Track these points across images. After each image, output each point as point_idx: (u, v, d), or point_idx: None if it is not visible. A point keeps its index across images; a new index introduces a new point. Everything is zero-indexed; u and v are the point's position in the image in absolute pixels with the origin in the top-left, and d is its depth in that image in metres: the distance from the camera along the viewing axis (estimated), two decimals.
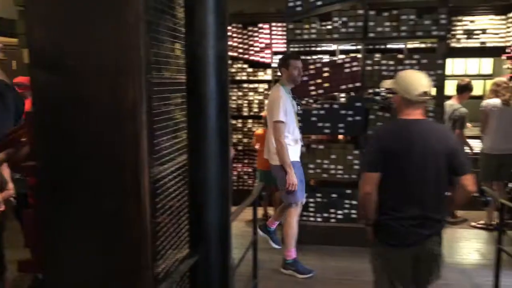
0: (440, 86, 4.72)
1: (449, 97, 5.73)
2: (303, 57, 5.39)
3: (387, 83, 2.78)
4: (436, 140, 2.45)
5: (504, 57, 5.97)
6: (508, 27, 6.01)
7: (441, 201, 2.49)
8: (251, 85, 6.63)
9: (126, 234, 1.80)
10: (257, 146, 5.75)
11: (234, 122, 6.71)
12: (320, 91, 4.87)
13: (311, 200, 5.02)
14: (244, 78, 6.64)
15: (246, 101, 6.65)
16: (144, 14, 1.69)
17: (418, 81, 2.48)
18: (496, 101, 5.19)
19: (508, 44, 6.04)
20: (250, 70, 6.60)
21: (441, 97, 4.76)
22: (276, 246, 4.48)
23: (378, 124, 4.74)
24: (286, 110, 4.08)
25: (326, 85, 4.83)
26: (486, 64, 6.71)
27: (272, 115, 4.10)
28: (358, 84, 4.78)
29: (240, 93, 6.67)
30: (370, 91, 6.16)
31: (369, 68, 4.75)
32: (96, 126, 1.78)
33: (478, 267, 4.42)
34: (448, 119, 5.46)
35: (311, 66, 4.86)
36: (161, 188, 2.01)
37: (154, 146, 1.94)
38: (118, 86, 1.74)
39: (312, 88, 4.86)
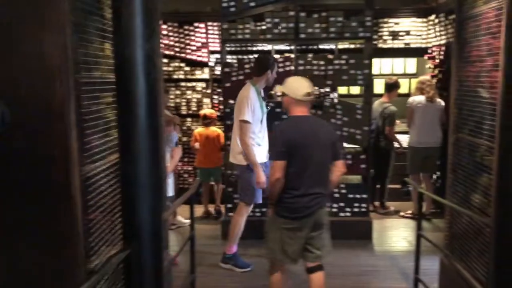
0: (367, 85, 5.02)
1: (379, 95, 6.12)
2: (239, 57, 5.54)
3: (279, 88, 3.26)
4: (323, 132, 3.10)
5: (426, 57, 6.41)
6: (429, 29, 6.46)
7: (327, 180, 3.14)
8: (189, 84, 6.67)
9: (58, 231, 1.83)
10: (196, 145, 5.82)
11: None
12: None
13: None
14: (182, 76, 6.67)
15: (184, 100, 6.69)
16: (71, 14, 1.73)
17: (302, 84, 3.12)
18: (421, 98, 5.58)
19: (429, 45, 6.50)
20: (187, 68, 6.65)
21: (369, 95, 5.07)
22: (247, 269, 4.37)
23: None
24: (253, 110, 4.16)
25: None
26: (410, 64, 7.18)
27: (239, 114, 4.17)
28: None
29: (178, 92, 6.69)
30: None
31: (301, 68, 4.96)
32: (25, 127, 1.81)
33: (405, 253, 4.76)
34: (379, 116, 5.81)
35: (247, 66, 5.00)
36: (93, 185, 2.06)
37: (84, 144, 1.98)
38: (46, 86, 1.77)
39: None
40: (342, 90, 6.94)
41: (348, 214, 5.13)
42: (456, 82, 3.26)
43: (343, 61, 4.94)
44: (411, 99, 5.65)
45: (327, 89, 6.58)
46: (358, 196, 5.11)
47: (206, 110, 6.00)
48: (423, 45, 6.54)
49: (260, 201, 4.39)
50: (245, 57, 5.49)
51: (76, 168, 1.83)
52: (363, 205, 5.13)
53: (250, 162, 4.17)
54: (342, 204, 5.12)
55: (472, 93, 2.99)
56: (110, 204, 2.17)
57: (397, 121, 6.11)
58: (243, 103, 4.16)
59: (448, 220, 3.37)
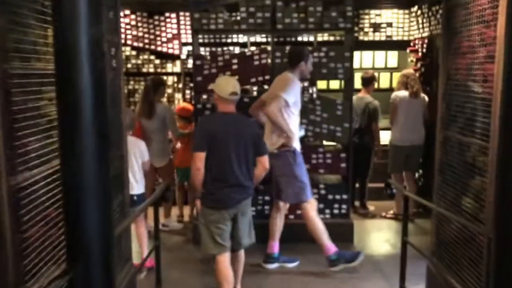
0: (348, 79, 4.80)
1: (359, 90, 5.92)
2: (212, 49, 5.25)
3: (210, 86, 3.48)
4: (245, 128, 3.33)
5: (408, 50, 6.24)
6: (412, 21, 6.29)
7: (250, 173, 3.33)
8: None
9: None
10: (177, 146, 5.51)
11: None
12: None
13: None
14: (152, 70, 6.36)
15: None
16: None
17: (228, 83, 3.36)
18: (405, 93, 5.39)
19: (411, 38, 6.34)
20: (157, 61, 6.34)
21: (349, 90, 4.85)
22: (295, 264, 4.31)
23: None
24: (296, 97, 3.95)
25: (236, 78, 4.70)
26: (392, 57, 7.01)
27: (278, 90, 3.90)
28: (267, 77, 4.72)
29: None
30: None
31: (278, 60, 4.71)
32: None
33: (389, 257, 4.56)
34: (362, 112, 5.58)
35: (220, 58, 4.72)
36: (28, 197, 1.76)
37: (16, 149, 1.69)
38: None
39: None
40: (322, 84, 6.72)
41: (327, 216, 4.91)
42: (444, 75, 3.06)
43: (322, 54, 4.71)
44: (394, 95, 5.45)
45: (306, 84, 6.35)
46: (338, 197, 4.90)
47: (185, 105, 5.67)
48: (405, 38, 6.38)
49: (311, 195, 4.17)
50: (218, 49, 5.18)
51: (3, 179, 1.53)
52: (344, 206, 4.92)
53: (284, 128, 3.89)
54: (321, 206, 4.89)
55: (463, 87, 2.79)
56: (52, 217, 1.87)
57: (380, 117, 5.92)
58: (288, 83, 3.93)
59: (435, 225, 3.17)
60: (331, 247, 4.12)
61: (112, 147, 2.81)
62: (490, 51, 2.38)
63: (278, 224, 4.33)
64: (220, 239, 3.27)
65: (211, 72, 4.71)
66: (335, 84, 6.80)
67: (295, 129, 4.08)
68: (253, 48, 5.36)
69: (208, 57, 4.78)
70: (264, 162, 3.36)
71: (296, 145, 4.08)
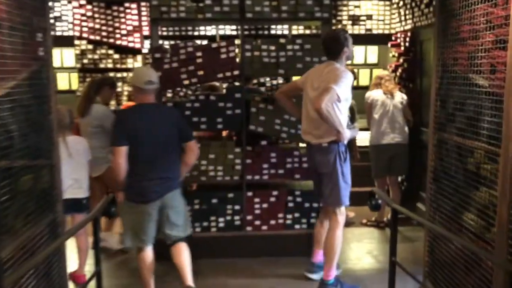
0: None
1: None
2: (172, 42, 4.71)
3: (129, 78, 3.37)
4: (166, 117, 3.31)
5: (389, 44, 5.83)
6: (393, 13, 5.89)
7: (174, 164, 3.31)
8: (119, 74, 5.84)
9: None
10: None
11: None
12: (194, 80, 4.22)
13: (188, 208, 4.36)
14: (110, 66, 5.81)
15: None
16: None
17: (144, 73, 3.31)
18: (378, 93, 4.99)
19: (393, 31, 5.94)
20: (116, 56, 5.79)
21: None
22: None
23: (261, 118, 4.24)
24: (348, 93, 3.49)
25: (200, 73, 4.19)
26: (371, 53, 6.60)
27: (330, 82, 3.36)
28: (236, 72, 4.22)
29: None
30: (255, 81, 5.70)
31: (248, 54, 4.21)
32: None
33: (372, 272, 4.13)
34: None
35: (182, 51, 4.19)
36: None
37: None
38: None
39: (184, 76, 4.19)
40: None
41: (304, 226, 4.44)
42: (438, 67, 2.61)
43: (297, 46, 4.23)
44: (367, 94, 5.06)
45: (280, 81, 5.89)
46: (315, 205, 4.43)
47: (127, 104, 5.12)
48: (387, 32, 5.98)
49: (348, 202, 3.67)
50: (180, 42, 4.63)
51: None
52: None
53: (334, 124, 3.38)
54: (297, 215, 4.43)
55: (463, 81, 2.35)
56: None
57: (356, 116, 5.51)
58: (340, 76, 3.40)
59: (428, 242, 2.73)
60: (334, 272, 3.65)
61: (38, 157, 2.27)
62: (500, 35, 1.94)
63: (326, 229, 3.84)
64: (140, 233, 3.23)
65: (172, 66, 4.18)
66: None
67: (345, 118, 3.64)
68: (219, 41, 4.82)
69: (169, 50, 4.25)
70: (193, 146, 3.36)
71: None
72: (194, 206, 4.36)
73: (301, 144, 4.64)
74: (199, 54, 4.18)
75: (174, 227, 3.32)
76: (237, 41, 4.33)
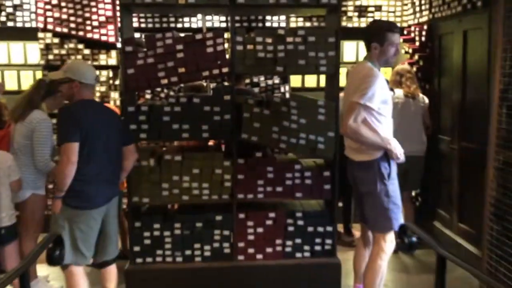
0: (332, 74, 3.65)
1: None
2: (147, 34, 3.99)
3: (57, 74, 3.10)
4: (109, 116, 3.14)
5: (401, 39, 5.15)
6: (405, 4, 5.23)
7: (118, 167, 3.16)
8: None
9: None
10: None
11: None
12: (174, 79, 3.53)
13: (167, 233, 3.68)
14: None
15: None
16: None
17: (90, 67, 3.16)
18: (399, 93, 4.32)
19: (405, 24, 5.29)
20: (87, 52, 5.07)
21: (334, 87, 3.70)
22: None
23: (255, 125, 3.55)
24: (381, 95, 2.90)
25: (181, 70, 3.51)
26: None
27: (355, 93, 2.87)
28: (225, 70, 3.53)
29: None
30: (247, 80, 5.01)
31: (240, 47, 3.53)
32: None
33: None
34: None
35: (159, 44, 3.49)
36: None
37: None
38: None
39: (162, 74, 3.50)
40: (295, 81, 5.56)
41: (307, 254, 3.77)
42: (502, 63, 1.92)
43: (299, 39, 3.56)
44: None
45: (276, 80, 5.20)
46: (320, 229, 3.76)
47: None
48: (398, 25, 5.29)
49: (400, 222, 3.00)
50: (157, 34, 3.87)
51: None
52: (328, 241, 3.78)
53: (370, 143, 2.91)
54: (298, 241, 3.75)
55: None
56: None
57: None
58: (363, 81, 2.91)
59: None
60: None
61: None
62: None
63: (366, 260, 3.26)
64: (82, 247, 2.99)
65: (147, 62, 3.49)
66: (311, 81, 5.65)
67: (389, 134, 3.06)
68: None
69: (143, 43, 3.55)
70: (134, 150, 3.25)
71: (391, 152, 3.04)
72: (174, 231, 3.69)
73: (302, 157, 3.97)
74: (180, 47, 3.49)
75: (109, 244, 3.14)
76: (226, 35, 3.64)
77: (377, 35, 3.00)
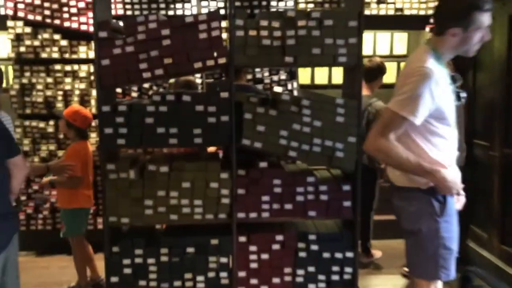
0: (354, 66, 3.02)
1: None
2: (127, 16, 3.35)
3: None
4: None
5: (427, 28, 4.52)
6: None
7: (7, 190, 2.45)
8: (68, 67, 4.52)
9: None
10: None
11: (42, 125, 4.47)
12: (158, 72, 2.90)
13: (151, 261, 3.04)
14: (56, 55, 4.47)
15: (60, 92, 4.48)
16: None
17: None
18: None
19: (431, 11, 4.64)
20: (64, 43, 4.46)
21: (355, 84, 3.06)
22: None
23: (259, 128, 2.92)
24: (437, 101, 2.11)
25: (167, 61, 2.88)
26: (399, 41, 5.28)
27: (394, 96, 2.18)
28: (221, 60, 2.89)
29: (50, 80, 4.47)
30: (249, 76, 4.37)
31: (240, 33, 2.90)
32: None
33: None
34: (365, 117, 3.91)
35: (140, 28, 2.86)
36: None
37: None
38: None
39: (144, 66, 2.87)
40: (304, 77, 4.93)
41: (322, 285, 3.14)
42: None
43: (313, 23, 2.92)
44: None
45: (283, 76, 4.55)
46: (339, 255, 3.13)
47: (79, 108, 3.73)
48: (422, 12, 4.67)
49: (453, 275, 2.28)
50: (138, 15, 3.18)
51: None
52: (348, 269, 3.14)
53: (410, 169, 2.15)
54: (311, 269, 3.12)
55: None
56: None
57: None
58: (411, 82, 2.10)
59: None
60: None
61: None
62: None
63: None
64: None
65: (126, 51, 2.87)
66: (321, 76, 5.02)
67: (447, 153, 2.25)
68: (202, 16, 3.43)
69: (121, 28, 2.92)
70: (21, 162, 2.48)
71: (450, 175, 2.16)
72: (160, 257, 3.07)
73: (316, 167, 3.34)
74: (166, 32, 2.87)
75: None
76: (224, 23, 3.01)
77: (459, 16, 2.13)
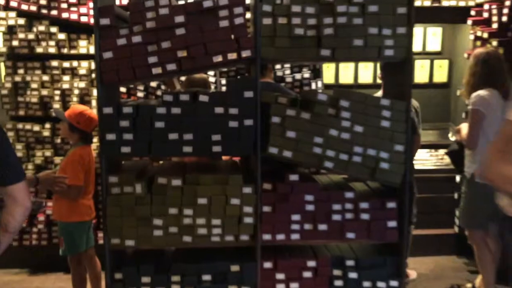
0: (403, 60, 2.57)
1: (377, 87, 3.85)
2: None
3: None
4: None
5: (469, 21, 4.05)
6: None
7: None
8: (66, 63, 4.12)
9: None
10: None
11: (37, 128, 4.05)
12: (171, 67, 2.46)
13: None
14: (53, 50, 4.05)
15: (57, 91, 4.08)
16: None
17: None
18: (492, 93, 3.16)
19: (472, 3, 4.19)
20: (62, 36, 4.06)
21: (405, 82, 2.61)
22: None
23: (289, 134, 2.47)
24: None
25: (182, 54, 2.44)
26: (432, 36, 4.83)
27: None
28: (246, 54, 2.44)
29: (46, 77, 4.06)
30: (279, 72, 3.94)
31: (267, 21, 2.47)
32: None
33: None
34: None
35: (149, 15, 2.42)
36: None
37: None
38: None
39: (154, 60, 2.43)
40: (327, 76, 4.48)
41: None
42: None
43: (354, 9, 2.50)
44: (476, 95, 3.17)
45: (306, 74, 4.10)
46: (382, 284, 2.69)
47: (84, 108, 3.29)
48: (462, 3, 4.22)
49: None
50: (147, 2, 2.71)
51: None
52: None
53: None
54: None
55: None
56: None
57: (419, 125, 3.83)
58: None
59: None
60: None
61: None
62: None
63: None
64: None
65: (132, 42, 2.44)
66: (346, 75, 4.57)
67: None
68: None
69: (126, 15, 2.48)
70: (18, 194, 1.84)
71: None
72: (171, 286, 2.58)
73: (355, 182, 2.89)
74: (180, 20, 2.44)
75: None
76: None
77: None
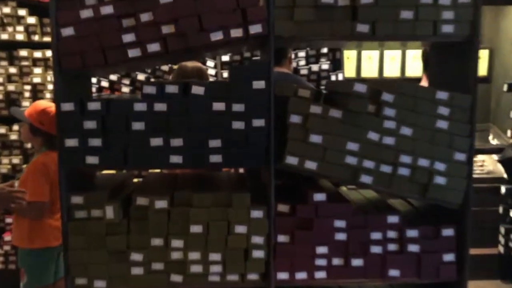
0: (467, 40, 1.99)
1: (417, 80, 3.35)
2: None
3: None
4: None
5: None
6: None
7: None
8: (37, 53, 3.66)
9: None
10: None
11: (2, 131, 3.53)
12: (153, 48, 1.86)
13: None
14: (21, 37, 3.58)
15: (28, 86, 3.61)
16: None
17: None
18: None
19: None
20: (32, 20, 3.61)
21: (469, 71, 1.99)
22: None
23: (313, 138, 1.86)
24: None
25: (167, 30, 1.83)
26: None
27: None
28: (256, 29, 1.84)
29: (13, 70, 3.56)
30: (299, 55, 3.40)
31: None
32: None
33: None
34: None
35: None
36: None
37: None
38: None
39: (130, 39, 1.86)
40: (349, 69, 3.88)
41: None
42: None
43: None
44: None
45: (324, 65, 3.48)
46: None
47: (48, 105, 2.70)
48: None
49: None
50: None
51: None
52: None
53: None
54: None
55: None
56: None
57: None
58: None
59: None
60: None
61: None
62: None
63: None
64: None
65: (101, 14, 1.83)
66: (369, 68, 3.98)
67: None
68: None
69: None
70: None
71: None
72: None
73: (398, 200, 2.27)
74: None
75: None
76: None
77: None
